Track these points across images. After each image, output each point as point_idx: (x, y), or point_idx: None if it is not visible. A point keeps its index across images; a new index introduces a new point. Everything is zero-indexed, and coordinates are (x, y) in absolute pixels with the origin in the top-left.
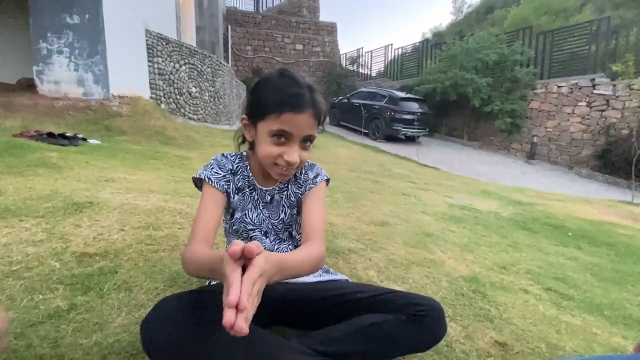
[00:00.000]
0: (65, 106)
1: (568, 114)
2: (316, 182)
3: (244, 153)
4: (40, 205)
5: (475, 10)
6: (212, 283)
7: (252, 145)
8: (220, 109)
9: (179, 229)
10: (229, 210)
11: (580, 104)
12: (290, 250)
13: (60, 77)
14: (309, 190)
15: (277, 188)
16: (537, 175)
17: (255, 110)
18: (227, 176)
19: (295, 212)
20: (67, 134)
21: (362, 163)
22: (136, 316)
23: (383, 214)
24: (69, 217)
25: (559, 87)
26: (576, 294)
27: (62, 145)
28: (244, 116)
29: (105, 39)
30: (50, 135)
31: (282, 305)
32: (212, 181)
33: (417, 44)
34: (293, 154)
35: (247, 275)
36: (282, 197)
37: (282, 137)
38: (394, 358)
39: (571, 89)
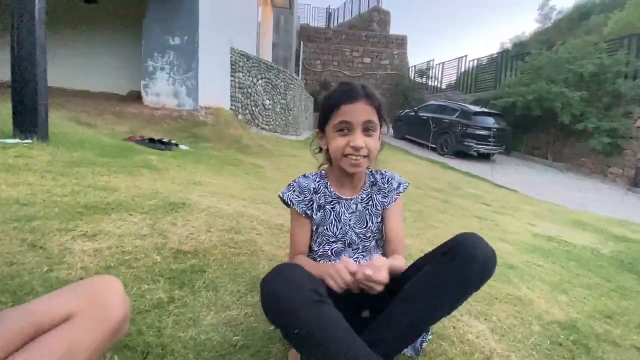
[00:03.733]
0: (163, 115)
1: None
2: (400, 193)
3: (323, 172)
4: (145, 203)
5: (566, 17)
6: None
7: (328, 154)
8: (289, 120)
9: (257, 235)
10: (314, 227)
11: None
12: (368, 259)
13: (161, 90)
14: (395, 201)
15: (360, 198)
16: None
17: (323, 118)
18: (308, 197)
19: (380, 220)
20: (164, 140)
21: (429, 180)
22: (223, 317)
23: None
24: (167, 216)
25: None
26: None
27: (160, 149)
28: (317, 130)
29: (199, 57)
30: (151, 140)
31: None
32: (293, 204)
33: (495, 55)
34: (357, 139)
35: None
36: (366, 207)
37: (345, 128)
38: (451, 309)
39: None
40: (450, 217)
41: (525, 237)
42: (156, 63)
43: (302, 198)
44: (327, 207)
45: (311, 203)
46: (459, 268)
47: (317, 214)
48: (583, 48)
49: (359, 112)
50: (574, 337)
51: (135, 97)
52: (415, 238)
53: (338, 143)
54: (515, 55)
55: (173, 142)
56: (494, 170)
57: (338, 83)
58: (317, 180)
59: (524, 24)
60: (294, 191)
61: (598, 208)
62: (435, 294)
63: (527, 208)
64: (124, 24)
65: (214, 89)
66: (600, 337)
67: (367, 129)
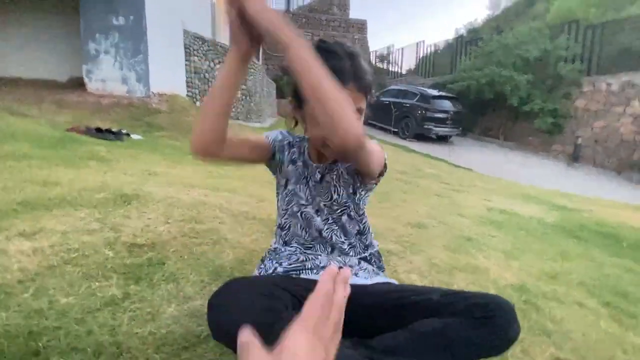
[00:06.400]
0: (111, 103)
1: (619, 113)
2: None
3: (307, 137)
4: (93, 196)
5: (514, 4)
6: (262, 273)
7: (304, 123)
8: (251, 107)
9: (219, 223)
10: (282, 180)
11: (633, 102)
12: (341, 233)
13: (107, 75)
14: None
15: (325, 166)
16: (581, 180)
17: (299, 92)
18: (285, 143)
19: (351, 191)
20: (113, 130)
21: (393, 162)
22: (185, 308)
23: (419, 215)
24: (118, 209)
25: (608, 84)
26: (639, 312)
27: (109, 139)
28: (290, 99)
29: (147, 39)
30: (98, 130)
31: None
32: (268, 137)
33: (451, 40)
34: None
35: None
36: (332, 178)
37: None
38: None
39: (622, 86)
40: (412, 196)
41: (480, 211)
42: (99, 45)
43: (281, 138)
44: (298, 163)
45: (283, 148)
46: (490, 340)
47: (288, 165)
48: (528, 34)
49: None
50: (524, 297)
51: (77, 84)
52: (380, 217)
53: (319, 132)
54: (469, 40)
55: (123, 131)
56: (452, 151)
57: (315, 42)
58: (297, 140)
59: (477, 10)
60: (277, 133)
61: (543, 182)
62: (450, 352)
63: (482, 185)
64: (58, 1)
65: (167, 74)
66: (547, 295)
67: None
